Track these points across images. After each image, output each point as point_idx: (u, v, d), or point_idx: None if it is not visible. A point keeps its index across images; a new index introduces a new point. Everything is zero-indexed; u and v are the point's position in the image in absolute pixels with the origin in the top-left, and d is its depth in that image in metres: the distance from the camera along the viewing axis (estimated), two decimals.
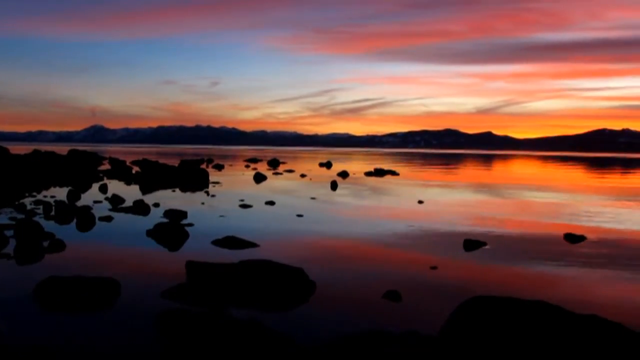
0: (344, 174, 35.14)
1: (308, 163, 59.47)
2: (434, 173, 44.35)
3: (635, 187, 31.35)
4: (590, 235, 12.63)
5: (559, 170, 54.86)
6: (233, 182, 28.69)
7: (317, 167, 49.02)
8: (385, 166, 48.01)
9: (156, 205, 16.78)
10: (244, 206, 17.21)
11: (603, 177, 42.63)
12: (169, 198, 19.44)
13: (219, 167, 43.66)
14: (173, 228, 11.86)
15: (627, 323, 5.34)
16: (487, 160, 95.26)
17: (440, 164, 66.43)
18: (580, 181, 36.86)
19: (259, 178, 30.39)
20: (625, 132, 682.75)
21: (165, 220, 13.66)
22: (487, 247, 11.24)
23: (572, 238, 12.33)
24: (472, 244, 11.39)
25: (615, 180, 39.31)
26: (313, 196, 21.01)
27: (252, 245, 10.83)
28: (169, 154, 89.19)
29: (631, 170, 57.59)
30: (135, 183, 25.94)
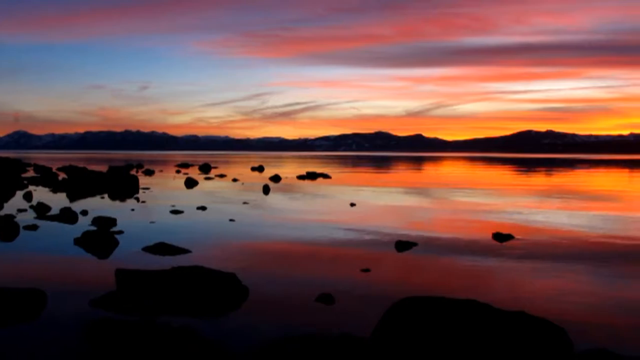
0: (276, 178, 35.09)
1: (240, 167, 59.14)
2: (366, 176, 44.75)
3: (559, 187, 32.35)
4: (517, 234, 12.95)
5: (487, 171, 56.16)
6: (164, 187, 28.26)
7: (249, 171, 48.79)
8: (318, 169, 48.17)
9: (84, 212, 16.37)
10: (175, 212, 16.97)
11: (529, 177, 43.86)
12: (98, 205, 19.01)
13: (149, 173, 42.96)
14: (102, 235, 11.59)
15: (553, 318, 5.50)
16: (418, 162, 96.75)
17: (372, 167, 67.09)
18: (507, 181, 37.82)
19: (191, 183, 30.02)
20: (549, 134, 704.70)
21: (93, 227, 13.34)
22: (418, 247, 11.40)
23: (500, 237, 12.62)
24: (403, 245, 11.53)
25: (540, 180, 40.49)
26: (245, 201, 20.89)
27: (184, 251, 10.69)
28: (98, 160, 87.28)
29: (555, 171, 59.43)
30: (62, 190, 25.23)
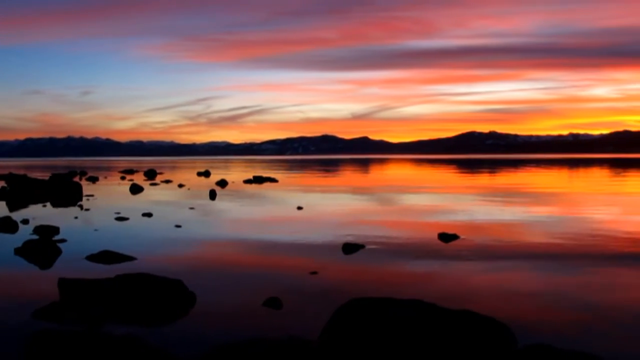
0: (222, 183, 34.86)
1: (186, 173, 58.58)
2: (313, 179, 44.85)
3: (502, 186, 33.00)
4: (462, 234, 13.16)
5: (432, 172, 56.92)
6: (108, 194, 27.80)
7: (196, 176, 48.37)
8: (264, 173, 48.05)
9: (25, 221, 15.98)
10: (120, 219, 16.72)
11: (473, 178, 44.63)
12: (40, 214, 18.58)
13: (93, 180, 42.19)
14: (44, 245, 11.33)
15: (497, 315, 5.61)
16: (364, 164, 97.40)
17: (319, 170, 67.26)
18: (452, 182, 38.41)
19: (136, 189, 29.61)
20: (492, 135, 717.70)
21: (35, 236, 13.03)
22: (365, 249, 11.48)
23: (446, 237, 12.81)
24: (351, 247, 11.59)
25: (484, 180, 41.24)
26: (192, 206, 20.72)
27: (129, 258, 10.53)
28: (39, 167, 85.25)
29: (498, 171, 60.60)
30: (1, 199, 24.58)
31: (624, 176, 46.54)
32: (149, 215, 17.66)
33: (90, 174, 53.50)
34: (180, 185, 34.02)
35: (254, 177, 40.31)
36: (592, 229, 14.33)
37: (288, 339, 4.97)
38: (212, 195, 25.79)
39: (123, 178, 45.47)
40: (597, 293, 8.03)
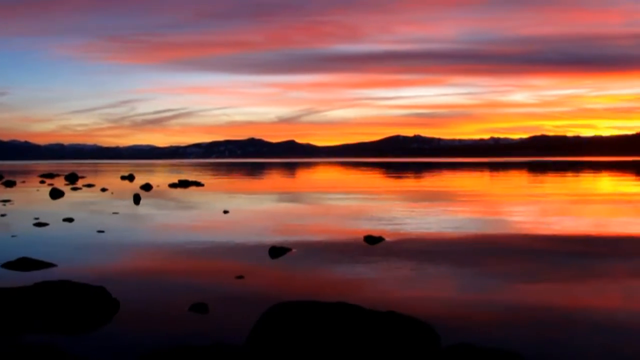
0: (147, 187, 34.25)
1: (109, 177, 57.27)
2: (239, 183, 44.63)
3: (427, 189, 33.64)
4: (387, 236, 13.33)
5: (358, 176, 57.48)
6: (26, 199, 26.90)
7: (119, 180, 47.37)
8: (190, 177, 47.48)
9: None
10: (39, 224, 16.20)
11: (398, 181, 45.31)
12: None
13: (10, 184, 40.74)
14: None
15: (422, 316, 5.71)
16: (291, 168, 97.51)
17: (245, 174, 66.97)
18: (378, 185, 38.89)
19: (56, 194, 28.75)
20: (417, 138, 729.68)
21: None
22: (292, 253, 11.48)
23: (372, 240, 12.94)
24: (277, 251, 11.57)
25: (409, 183, 41.93)
26: (115, 211, 20.26)
27: (49, 265, 10.21)
28: None
29: (422, 174, 61.72)
30: None
31: (541, 179, 48.17)
32: (70, 220, 17.18)
33: (7, 178, 51.62)
34: (103, 190, 33.23)
35: (180, 181, 39.78)
36: (513, 230, 14.77)
37: (214, 344, 4.92)
38: (137, 199, 25.31)
39: (42, 182, 44.08)
40: (518, 292, 8.27)
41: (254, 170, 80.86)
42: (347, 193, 30.41)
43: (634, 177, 49.07)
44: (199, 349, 4.75)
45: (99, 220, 17.30)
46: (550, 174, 57.71)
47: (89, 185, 38.11)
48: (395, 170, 78.77)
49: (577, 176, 52.54)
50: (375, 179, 49.31)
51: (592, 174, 57.12)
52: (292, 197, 28.07)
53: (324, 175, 62.81)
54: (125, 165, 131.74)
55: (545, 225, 15.76)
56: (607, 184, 40.14)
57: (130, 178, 49.26)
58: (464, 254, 11.34)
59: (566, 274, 9.52)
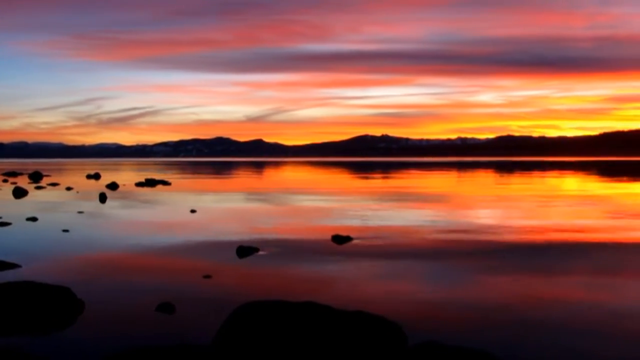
0: (113, 186, 33.89)
1: (75, 175, 56.55)
2: (207, 182, 44.40)
3: (394, 188, 33.82)
4: (356, 235, 13.36)
5: (326, 175, 57.58)
6: None
7: (85, 179, 46.81)
8: (157, 176, 47.09)
9: None
10: (2, 224, 15.92)
11: (366, 180, 45.47)
12: None
13: None
14: None
15: (389, 315, 5.74)
16: (259, 167, 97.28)
17: (213, 173, 66.65)
18: (346, 185, 38.99)
19: (19, 193, 28.29)
20: (385, 138, 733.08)
21: None
22: (260, 252, 11.45)
23: (339, 239, 12.96)
24: (245, 250, 11.53)
25: (376, 182, 42.11)
26: (80, 210, 20.01)
27: (12, 266, 10.04)
28: None
29: (390, 173, 62.03)
30: None
31: (507, 178, 48.76)
32: (33, 219, 16.92)
33: None
34: (69, 189, 32.80)
35: (146, 179, 39.42)
36: (480, 228, 14.92)
37: (180, 345, 4.89)
38: (102, 198, 25.03)
39: (5, 181, 43.33)
40: (485, 290, 8.36)
41: (222, 169, 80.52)
42: (315, 193, 30.43)
43: (596, 178, 49.92)
44: (164, 349, 4.71)
45: (63, 220, 17.06)
46: (516, 174, 58.44)
47: (54, 184, 37.57)
48: (363, 169, 79.03)
49: (542, 176, 53.28)
50: (343, 179, 49.45)
51: (556, 174, 57.97)
52: (260, 196, 28.01)
53: (292, 174, 62.78)
54: (91, 164, 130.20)
55: (511, 223, 15.95)
56: (571, 183, 40.78)
57: (96, 177, 48.71)
58: (432, 253, 11.43)
59: (532, 272, 9.65)
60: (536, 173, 60.82)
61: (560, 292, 8.31)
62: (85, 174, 54.51)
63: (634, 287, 8.73)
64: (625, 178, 47.80)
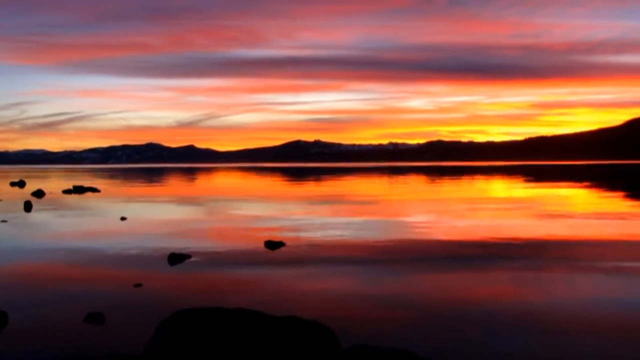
0: (39, 194, 32.95)
1: None
2: (137, 188, 43.67)
3: (326, 194, 33.98)
4: (288, 241, 13.37)
5: (259, 181, 57.44)
6: None
7: (9, 186, 45.34)
8: (86, 183, 46.00)
9: None
10: None
11: (299, 186, 45.56)
12: None
13: None
14: None
15: (322, 319, 5.76)
16: (191, 173, 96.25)
17: (144, 179, 65.60)
18: (278, 190, 38.98)
19: None
20: (317, 144, 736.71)
21: None
22: (192, 259, 11.34)
23: (272, 245, 12.95)
24: (176, 257, 11.39)
25: (309, 188, 42.23)
26: (3, 219, 19.37)
27: None
28: None
29: (322, 179, 62.31)
30: None
31: (438, 183, 49.67)
32: None
33: None
34: None
35: (74, 187, 38.47)
36: (410, 231, 15.15)
37: (110, 355, 4.79)
38: (28, 206, 24.30)
39: None
40: (416, 293, 8.50)
41: (153, 176, 79.32)
42: (248, 199, 30.33)
43: (522, 181, 51.39)
44: None
45: None
46: (446, 179, 59.60)
47: None
48: (296, 175, 79.17)
49: (471, 180, 54.51)
50: (275, 184, 49.41)
51: (484, 178, 59.41)
52: (192, 202, 27.73)
53: (224, 180, 62.37)
54: (16, 171, 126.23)
55: (441, 226, 16.26)
56: (497, 187, 41.86)
57: (21, 184, 47.23)
58: (363, 257, 11.54)
59: (462, 273, 9.86)
60: (465, 177, 62.18)
61: (491, 294, 8.52)
62: (9, 182, 52.77)
63: (559, 284, 9.02)
64: (547, 182, 49.41)
